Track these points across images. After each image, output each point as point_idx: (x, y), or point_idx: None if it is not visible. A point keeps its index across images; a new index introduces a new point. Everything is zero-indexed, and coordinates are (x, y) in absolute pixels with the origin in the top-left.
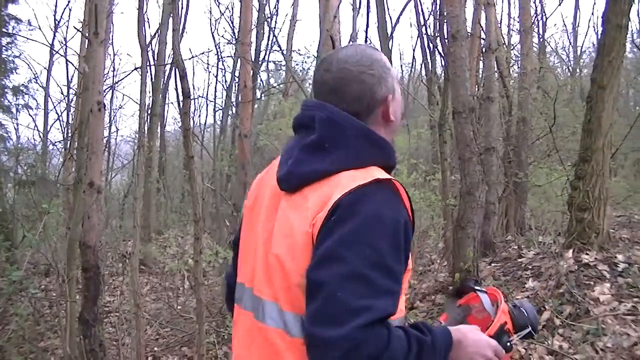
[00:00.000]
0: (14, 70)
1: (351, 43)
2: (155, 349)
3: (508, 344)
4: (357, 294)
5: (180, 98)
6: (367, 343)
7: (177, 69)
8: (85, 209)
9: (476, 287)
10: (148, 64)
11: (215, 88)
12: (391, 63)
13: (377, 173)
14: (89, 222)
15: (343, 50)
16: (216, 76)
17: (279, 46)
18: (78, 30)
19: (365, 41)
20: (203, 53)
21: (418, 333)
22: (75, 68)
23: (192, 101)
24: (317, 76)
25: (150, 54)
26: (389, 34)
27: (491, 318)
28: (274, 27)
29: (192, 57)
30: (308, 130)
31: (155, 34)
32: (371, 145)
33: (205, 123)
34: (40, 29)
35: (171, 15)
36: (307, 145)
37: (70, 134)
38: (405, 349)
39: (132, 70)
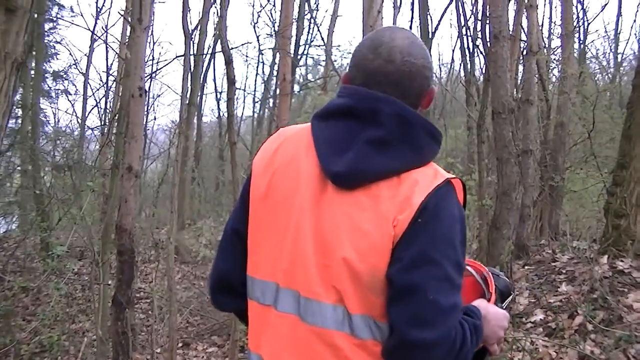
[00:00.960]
0: (54, 56)
1: (396, 27)
2: (186, 336)
3: (505, 308)
4: (446, 295)
5: (219, 89)
6: (458, 338)
7: (224, 55)
8: (122, 192)
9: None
10: (190, 53)
11: (255, 80)
12: None
13: (443, 171)
14: (126, 206)
15: (398, 39)
16: (256, 68)
17: (323, 40)
18: (122, 15)
19: None
20: (244, 44)
21: (474, 320)
22: (117, 54)
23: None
24: (374, 65)
25: (190, 43)
26: (431, 33)
27: (482, 289)
28: (315, 22)
29: (233, 48)
30: (363, 122)
31: (197, 24)
32: (434, 142)
33: (242, 115)
34: (82, 15)
35: (213, 3)
36: (373, 141)
37: (108, 120)
38: (470, 335)
39: (174, 58)
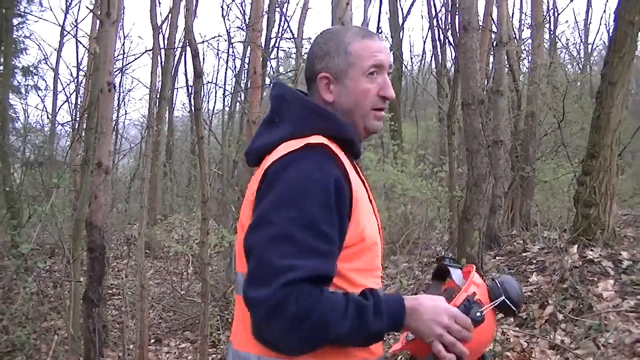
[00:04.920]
0: (24, 51)
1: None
2: (158, 332)
3: (478, 314)
4: (282, 255)
5: (190, 83)
6: (291, 301)
7: (190, 48)
8: (92, 189)
9: (449, 264)
10: (159, 47)
11: (225, 74)
12: (401, 53)
13: (312, 139)
14: (96, 202)
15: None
16: (226, 61)
17: (292, 32)
18: (90, 10)
19: (377, 31)
20: (214, 38)
21: (359, 297)
22: (86, 49)
23: (202, 85)
24: None
25: (160, 37)
26: (400, 23)
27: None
28: (286, 14)
29: (203, 41)
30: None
31: (166, 17)
32: (311, 115)
33: (214, 109)
34: (51, 9)
35: None
36: (263, 122)
37: (78, 116)
38: (341, 311)
39: (144, 53)
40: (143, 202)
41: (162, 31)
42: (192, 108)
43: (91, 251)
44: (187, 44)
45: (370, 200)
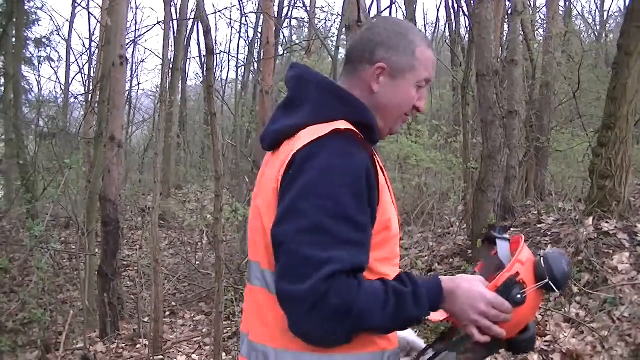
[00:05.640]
0: (36, 22)
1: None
2: (173, 303)
3: (518, 296)
4: (318, 247)
5: (203, 53)
6: (332, 295)
7: (201, 24)
8: (105, 163)
9: (496, 235)
10: (171, 18)
11: (238, 44)
12: (415, 23)
13: (340, 125)
14: (110, 176)
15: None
16: (239, 32)
17: (303, 3)
18: None
19: (390, 0)
20: (226, 8)
21: (398, 284)
22: (98, 21)
23: (215, 56)
24: None
25: (172, 8)
26: None
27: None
28: None
29: (216, 12)
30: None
31: None
32: (335, 99)
33: (227, 79)
34: None
35: None
36: (282, 105)
37: (91, 88)
38: (381, 300)
39: (155, 24)
40: (156, 177)
41: (174, 1)
42: (204, 84)
43: (105, 225)
44: (200, 20)
45: (389, 187)
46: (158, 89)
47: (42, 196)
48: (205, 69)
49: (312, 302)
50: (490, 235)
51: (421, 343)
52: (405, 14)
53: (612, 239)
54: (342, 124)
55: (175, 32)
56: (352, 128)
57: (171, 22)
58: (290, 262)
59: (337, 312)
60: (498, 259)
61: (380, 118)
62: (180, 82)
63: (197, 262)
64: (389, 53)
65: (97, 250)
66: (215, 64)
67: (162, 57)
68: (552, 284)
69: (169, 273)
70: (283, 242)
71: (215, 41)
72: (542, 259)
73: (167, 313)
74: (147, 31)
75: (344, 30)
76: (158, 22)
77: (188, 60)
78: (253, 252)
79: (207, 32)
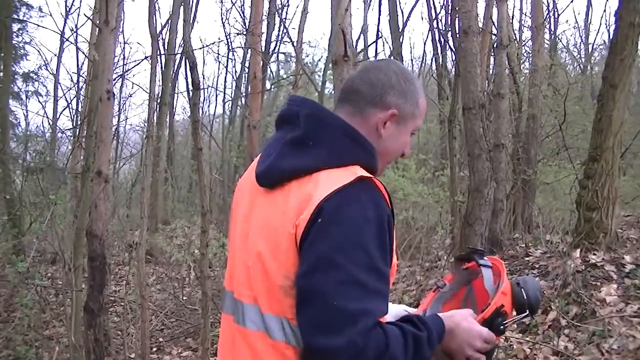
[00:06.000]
0: (24, 57)
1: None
2: (160, 339)
3: (501, 327)
4: (354, 300)
5: (190, 88)
6: (369, 347)
7: (187, 60)
8: (92, 197)
9: (480, 262)
10: (158, 53)
11: (225, 78)
12: (401, 57)
13: (359, 171)
14: (96, 211)
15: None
16: (226, 66)
17: (290, 38)
18: (88, 18)
19: (377, 35)
20: (214, 43)
21: (413, 329)
22: (85, 56)
23: (202, 91)
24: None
25: (160, 42)
26: (400, 27)
27: (489, 298)
28: (285, 19)
29: (203, 47)
30: (291, 126)
31: (166, 23)
32: (354, 144)
33: (214, 113)
34: (51, 15)
35: (182, 4)
36: (290, 141)
37: (79, 122)
38: (403, 346)
39: (142, 60)
40: (143, 212)
41: (162, 36)
42: (191, 119)
43: (92, 260)
44: (186, 56)
45: None
46: (145, 124)
47: (28, 231)
48: (191, 105)
49: (351, 356)
50: (464, 256)
51: None
52: (392, 48)
53: (600, 270)
54: (360, 170)
55: (163, 66)
56: (371, 175)
57: (158, 56)
58: (326, 315)
59: None
60: (468, 273)
61: (379, 161)
62: (167, 116)
63: (184, 298)
64: (400, 99)
65: (83, 286)
66: (203, 99)
67: (149, 92)
68: (530, 314)
69: (156, 309)
70: (317, 293)
71: (203, 75)
72: (520, 289)
73: (154, 349)
74: (135, 66)
75: (330, 65)
76: (145, 57)
77: (176, 94)
78: (247, 294)
79: (192, 67)
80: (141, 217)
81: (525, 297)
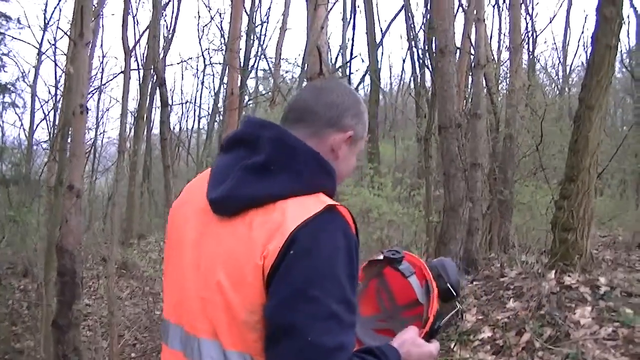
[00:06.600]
0: (1, 68)
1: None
2: (133, 354)
3: (439, 328)
4: (329, 334)
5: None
6: None
7: (156, 76)
8: (63, 212)
9: (401, 268)
10: (133, 68)
11: (201, 94)
12: (378, 74)
13: (326, 199)
14: (67, 226)
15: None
16: (202, 82)
17: (265, 56)
18: (64, 32)
19: (351, 53)
20: (190, 58)
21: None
22: (62, 70)
23: (180, 106)
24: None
25: (139, 56)
26: (378, 42)
27: (423, 306)
28: (264, 35)
29: (182, 61)
30: (249, 150)
31: (140, 37)
32: (322, 172)
33: (192, 128)
34: (30, 27)
35: (159, 19)
36: (251, 167)
37: (55, 135)
38: None
39: (119, 74)
40: (113, 228)
41: (137, 52)
42: (175, 126)
43: (61, 275)
44: (155, 73)
45: None
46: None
47: (1, 243)
48: (160, 121)
49: None
50: (380, 262)
51: None
52: (369, 66)
53: (575, 292)
54: (326, 198)
55: (140, 80)
56: (336, 203)
57: (133, 71)
58: (301, 352)
59: None
60: (377, 267)
61: None
62: (145, 130)
63: (157, 312)
64: (354, 120)
65: (54, 300)
66: (181, 114)
67: (121, 107)
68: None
69: (129, 324)
70: (290, 329)
71: (182, 91)
72: (442, 279)
73: None
74: (111, 80)
75: (304, 82)
76: (122, 71)
77: (154, 109)
78: (204, 328)
79: (161, 84)
80: (111, 233)
81: (454, 292)
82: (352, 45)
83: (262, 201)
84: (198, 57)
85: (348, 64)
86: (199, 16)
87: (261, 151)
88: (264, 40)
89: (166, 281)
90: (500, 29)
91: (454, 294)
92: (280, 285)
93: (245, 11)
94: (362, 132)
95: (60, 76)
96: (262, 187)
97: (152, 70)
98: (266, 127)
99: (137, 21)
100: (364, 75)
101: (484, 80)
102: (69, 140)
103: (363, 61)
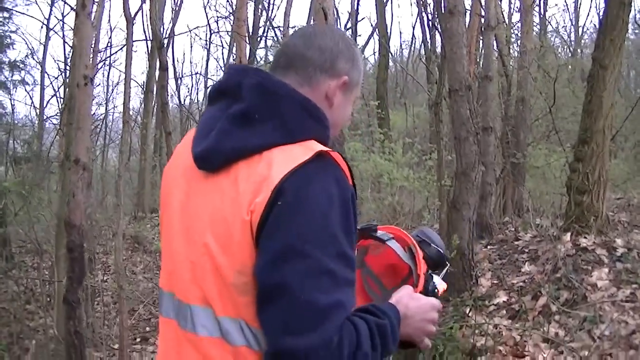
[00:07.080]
0: (10, 46)
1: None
2: (147, 328)
3: (435, 290)
4: (324, 292)
5: (179, 74)
6: (344, 345)
7: (154, 40)
8: (70, 186)
9: (379, 236)
10: (145, 38)
11: (207, 64)
12: (388, 39)
13: (316, 146)
14: (75, 201)
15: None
16: (208, 50)
17: (271, 23)
18: (71, 7)
19: (356, 15)
20: (197, 27)
21: (377, 319)
22: (69, 45)
23: (190, 78)
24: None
25: (143, 28)
26: (384, 7)
27: (409, 267)
28: (272, 4)
29: (189, 31)
30: (232, 99)
31: (138, 9)
32: (309, 116)
33: (203, 100)
34: (37, 3)
35: None
36: (233, 116)
37: (62, 110)
38: (369, 338)
39: (124, 46)
40: (120, 201)
41: (143, 22)
42: (186, 99)
43: (70, 251)
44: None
45: None
46: (134, 111)
47: (15, 219)
48: (158, 86)
49: (325, 356)
50: (364, 234)
51: None
52: (376, 23)
53: (591, 254)
54: (317, 145)
55: (149, 53)
56: (329, 149)
57: (140, 42)
58: (294, 312)
59: (349, 358)
60: (361, 252)
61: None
62: (155, 104)
63: None
64: (348, 64)
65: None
66: (191, 86)
67: (124, 77)
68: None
69: (143, 298)
70: (283, 288)
71: (191, 62)
72: (427, 244)
73: (138, 339)
74: (116, 52)
75: None
76: (124, 41)
77: (166, 82)
78: (195, 295)
79: (159, 47)
80: (117, 205)
81: (441, 254)
82: (358, 5)
83: (246, 153)
84: (204, 27)
85: (354, 26)
86: None
87: (243, 99)
88: (271, 9)
89: (162, 249)
90: None
91: (443, 256)
92: (269, 241)
93: None
94: (357, 77)
95: (69, 52)
96: (245, 138)
97: (165, 41)
98: (248, 74)
99: None
100: (370, 35)
101: (494, 42)
102: (74, 115)
103: (372, 26)
